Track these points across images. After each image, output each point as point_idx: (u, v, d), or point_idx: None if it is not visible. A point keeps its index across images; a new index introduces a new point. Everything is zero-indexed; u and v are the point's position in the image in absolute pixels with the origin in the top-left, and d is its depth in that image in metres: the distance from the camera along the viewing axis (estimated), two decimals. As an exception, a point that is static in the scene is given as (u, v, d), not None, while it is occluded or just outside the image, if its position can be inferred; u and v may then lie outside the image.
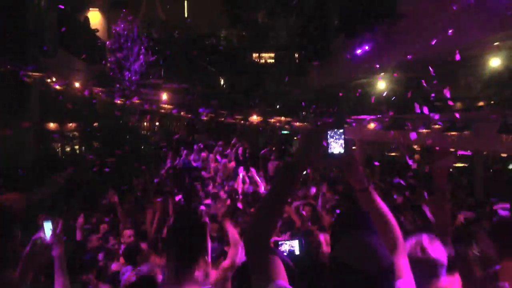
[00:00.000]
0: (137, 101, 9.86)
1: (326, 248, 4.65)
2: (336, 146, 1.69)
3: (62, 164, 10.04)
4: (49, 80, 9.95)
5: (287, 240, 2.79)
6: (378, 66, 9.59)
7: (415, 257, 2.22)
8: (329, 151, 1.68)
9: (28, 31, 9.71)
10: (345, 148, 1.69)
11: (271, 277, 1.58)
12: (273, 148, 13.41)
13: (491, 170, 13.14)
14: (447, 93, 7.11)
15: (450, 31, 6.82)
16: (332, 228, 2.17)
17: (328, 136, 1.68)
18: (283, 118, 9.70)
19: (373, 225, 1.82)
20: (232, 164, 11.32)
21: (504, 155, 10.55)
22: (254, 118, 9.84)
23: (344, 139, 1.69)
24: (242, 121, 11.01)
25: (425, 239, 2.36)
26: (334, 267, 1.53)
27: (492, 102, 7.96)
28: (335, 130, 1.68)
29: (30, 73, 7.38)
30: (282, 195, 1.72)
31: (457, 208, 7.56)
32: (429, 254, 2.28)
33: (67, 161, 11.22)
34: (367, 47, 11.35)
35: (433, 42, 7.61)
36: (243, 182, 9.35)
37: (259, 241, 1.66)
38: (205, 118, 10.94)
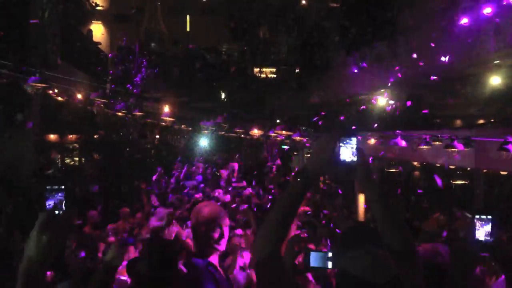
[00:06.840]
0: (138, 114, 9.87)
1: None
2: (348, 154, 1.70)
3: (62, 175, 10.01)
4: (51, 92, 9.95)
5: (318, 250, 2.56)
6: (378, 82, 9.64)
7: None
8: (341, 158, 1.69)
9: (30, 43, 9.76)
10: (357, 156, 1.70)
11: None
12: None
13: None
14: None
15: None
16: (336, 242, 2.11)
17: (341, 144, 1.69)
18: (284, 132, 9.73)
19: (381, 240, 1.72)
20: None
21: (504, 173, 10.53)
22: (255, 132, 9.87)
23: (357, 148, 1.70)
24: (242, 135, 11.02)
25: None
26: (343, 279, 1.49)
27: (492, 120, 7.99)
28: (348, 138, 1.70)
29: (33, 84, 7.41)
30: (293, 204, 1.67)
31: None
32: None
33: (67, 173, 11.19)
34: (365, 64, 11.45)
35: (421, 63, 7.69)
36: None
37: (268, 254, 1.58)
38: (206, 132, 10.94)
